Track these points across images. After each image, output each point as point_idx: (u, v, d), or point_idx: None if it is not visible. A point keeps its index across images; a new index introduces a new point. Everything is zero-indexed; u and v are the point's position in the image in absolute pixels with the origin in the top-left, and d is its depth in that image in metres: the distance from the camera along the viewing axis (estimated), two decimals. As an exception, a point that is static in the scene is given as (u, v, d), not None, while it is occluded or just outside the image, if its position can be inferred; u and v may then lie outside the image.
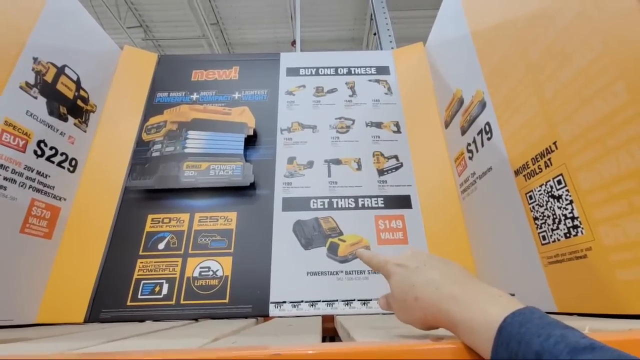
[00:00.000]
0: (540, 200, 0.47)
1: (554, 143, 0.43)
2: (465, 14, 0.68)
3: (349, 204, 0.75)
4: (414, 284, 0.27)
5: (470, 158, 0.67)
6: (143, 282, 0.66)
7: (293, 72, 0.93)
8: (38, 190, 0.62)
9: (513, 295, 0.54)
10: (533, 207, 0.49)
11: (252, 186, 0.75)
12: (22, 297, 0.59)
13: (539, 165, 0.46)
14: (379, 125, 0.85)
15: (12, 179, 0.57)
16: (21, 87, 0.60)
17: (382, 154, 0.81)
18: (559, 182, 0.43)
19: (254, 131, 0.80)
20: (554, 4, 0.43)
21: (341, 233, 0.71)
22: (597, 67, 0.36)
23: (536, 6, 0.47)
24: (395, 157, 0.80)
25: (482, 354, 0.21)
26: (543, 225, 0.47)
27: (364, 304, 0.64)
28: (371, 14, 3.28)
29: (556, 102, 0.42)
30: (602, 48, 0.36)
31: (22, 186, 0.59)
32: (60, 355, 0.20)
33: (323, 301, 0.65)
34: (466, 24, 0.67)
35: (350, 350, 0.21)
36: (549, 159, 0.44)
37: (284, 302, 0.64)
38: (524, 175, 0.50)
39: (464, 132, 0.70)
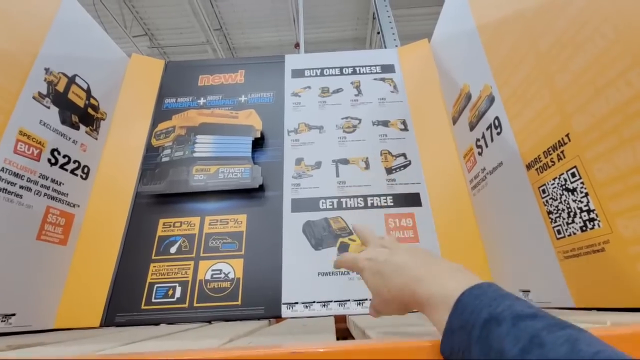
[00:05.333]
0: (554, 194, 0.46)
1: (567, 135, 0.43)
2: (471, 8, 0.67)
3: (358, 203, 0.75)
4: (384, 276, 0.28)
5: (480, 154, 0.67)
6: (156, 285, 0.66)
7: (298, 73, 0.93)
8: (53, 198, 0.64)
9: (528, 291, 0.53)
10: (546, 201, 0.48)
11: (261, 188, 0.75)
12: (39, 303, 0.60)
13: (552, 158, 0.46)
14: (385, 123, 0.84)
15: (27, 187, 0.59)
16: (34, 98, 0.62)
17: (389, 152, 0.80)
18: (573, 175, 0.42)
19: (261, 133, 0.81)
20: (562, -6, 0.42)
21: (351, 233, 0.71)
22: (610, 55, 0.36)
23: (544, -3, 0.46)
24: (403, 155, 0.80)
25: (440, 326, 0.22)
26: (557, 219, 0.46)
27: (377, 303, 0.64)
28: (374, 13, 3.28)
29: (568, 93, 0.42)
30: (614, 36, 0.35)
31: (37, 194, 0.61)
32: (90, 356, 0.20)
33: (335, 301, 0.64)
34: (472, 18, 0.66)
35: (366, 348, 0.21)
36: (562, 152, 0.44)
37: (296, 303, 0.64)
38: (536, 169, 0.49)
39: (472, 127, 0.69)
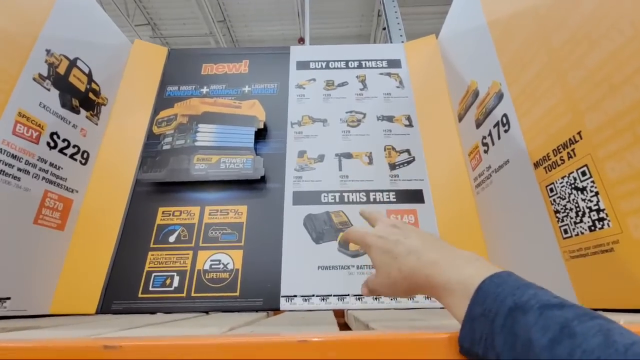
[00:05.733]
0: (562, 193, 0.45)
1: (579, 133, 0.42)
2: (482, 4, 0.66)
3: (360, 198, 0.74)
4: (396, 256, 0.28)
5: (486, 151, 0.66)
6: (154, 274, 0.66)
7: (303, 65, 0.92)
8: (51, 182, 0.63)
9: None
10: (554, 200, 0.47)
11: (263, 180, 0.74)
12: (35, 288, 0.59)
13: (561, 156, 0.45)
14: (390, 119, 0.83)
15: (25, 170, 0.58)
16: (34, 79, 0.60)
17: (393, 148, 0.80)
18: (584, 174, 0.41)
19: (264, 125, 0.80)
20: (580, -11, 0.41)
21: (352, 227, 0.70)
22: (627, 51, 0.35)
23: (560, -9, 0.45)
24: (407, 151, 0.79)
25: (458, 313, 0.22)
26: (565, 219, 0.45)
27: (376, 298, 0.63)
28: (379, 11, 3.25)
29: (582, 90, 0.41)
30: (632, 32, 0.35)
31: (35, 177, 0.59)
32: (93, 339, 0.20)
33: (334, 295, 0.64)
34: (482, 13, 0.65)
35: (377, 338, 0.20)
36: (573, 150, 0.43)
37: (295, 296, 0.64)
38: (545, 168, 0.49)
39: (478, 125, 0.68)
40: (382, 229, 0.31)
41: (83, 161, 0.71)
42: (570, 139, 0.43)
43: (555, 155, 0.46)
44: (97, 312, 0.62)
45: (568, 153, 0.44)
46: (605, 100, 0.38)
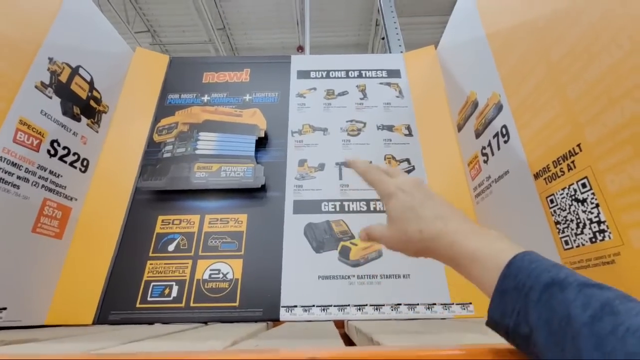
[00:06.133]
0: (563, 204, 0.46)
1: (578, 145, 0.42)
2: (481, 16, 0.67)
3: (360, 207, 0.74)
4: (420, 216, 0.27)
5: (485, 161, 0.66)
6: (153, 284, 0.65)
7: (304, 74, 0.93)
8: (50, 190, 0.62)
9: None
10: (554, 211, 0.47)
11: (263, 188, 0.74)
12: (32, 298, 0.58)
13: (561, 168, 0.45)
14: (390, 128, 0.84)
15: (25, 178, 0.57)
16: (36, 87, 0.60)
17: (393, 157, 0.80)
18: (584, 185, 0.42)
19: (265, 133, 0.80)
20: (578, 4, 0.42)
21: (353, 236, 0.70)
22: (626, 66, 0.35)
23: (558, 6, 0.46)
24: (407, 160, 0.79)
25: (484, 284, 0.22)
26: (565, 230, 0.45)
27: (377, 309, 0.63)
28: (377, 20, 3.30)
29: (581, 103, 0.42)
30: (630, 46, 0.35)
31: (35, 185, 0.59)
32: (90, 356, 0.19)
33: (335, 306, 0.63)
34: (481, 25, 0.67)
35: (391, 354, 0.20)
36: (573, 162, 0.43)
37: (295, 306, 0.63)
38: (545, 179, 0.49)
39: (478, 135, 0.69)
40: (407, 184, 0.30)
41: (83, 169, 0.71)
42: (570, 151, 0.44)
43: (555, 167, 0.47)
44: (94, 323, 0.61)
45: (568, 165, 0.44)
46: (605, 114, 0.38)
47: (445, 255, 0.26)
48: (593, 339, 0.15)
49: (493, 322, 0.20)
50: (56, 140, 0.64)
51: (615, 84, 0.37)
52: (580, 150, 0.42)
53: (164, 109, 0.85)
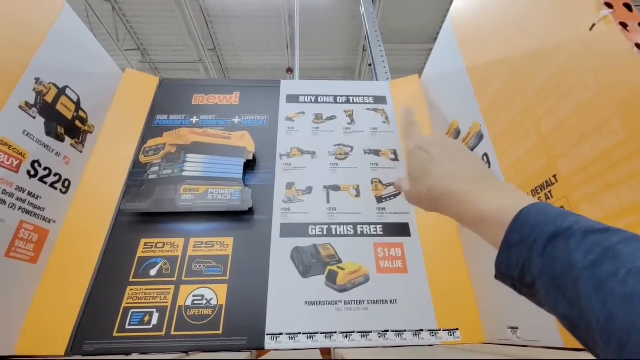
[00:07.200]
0: (542, 232, 0.47)
1: (554, 176, 0.45)
2: (461, 51, 0.71)
3: (347, 230, 0.74)
4: (430, 173, 0.28)
5: (468, 187, 0.68)
6: (132, 310, 0.62)
7: (293, 99, 0.95)
8: (28, 212, 0.60)
9: (517, 328, 0.53)
10: (534, 238, 0.49)
11: (250, 211, 0.74)
12: (1, 326, 0.55)
13: (539, 197, 0.47)
14: (377, 152, 0.86)
15: (1, 200, 0.55)
16: (20, 107, 0.59)
17: (380, 181, 0.81)
18: (560, 214, 0.44)
19: (254, 156, 0.80)
20: (548, 46, 0.46)
21: (340, 261, 0.70)
22: (593, 105, 0.38)
23: (531, 47, 0.50)
24: (394, 184, 0.81)
25: (493, 240, 0.22)
26: (545, 257, 0.47)
27: (364, 336, 0.62)
28: (364, 46, 3.43)
29: (555, 137, 0.44)
30: (596, 88, 0.38)
31: (11, 207, 0.57)
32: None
33: (321, 333, 0.62)
34: (462, 60, 0.71)
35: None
36: (550, 191, 0.46)
37: (281, 334, 0.62)
38: (524, 206, 0.51)
39: (461, 161, 0.71)
40: (426, 141, 0.31)
41: (64, 190, 0.69)
42: (547, 181, 0.46)
43: (534, 195, 0.49)
44: (66, 354, 0.58)
45: (546, 194, 0.46)
46: (577, 148, 0.41)
47: (454, 213, 0.26)
48: (592, 282, 0.15)
49: (501, 275, 0.21)
50: (37, 161, 0.62)
51: (584, 121, 0.39)
52: (557, 181, 0.44)
53: (151, 129, 0.85)
